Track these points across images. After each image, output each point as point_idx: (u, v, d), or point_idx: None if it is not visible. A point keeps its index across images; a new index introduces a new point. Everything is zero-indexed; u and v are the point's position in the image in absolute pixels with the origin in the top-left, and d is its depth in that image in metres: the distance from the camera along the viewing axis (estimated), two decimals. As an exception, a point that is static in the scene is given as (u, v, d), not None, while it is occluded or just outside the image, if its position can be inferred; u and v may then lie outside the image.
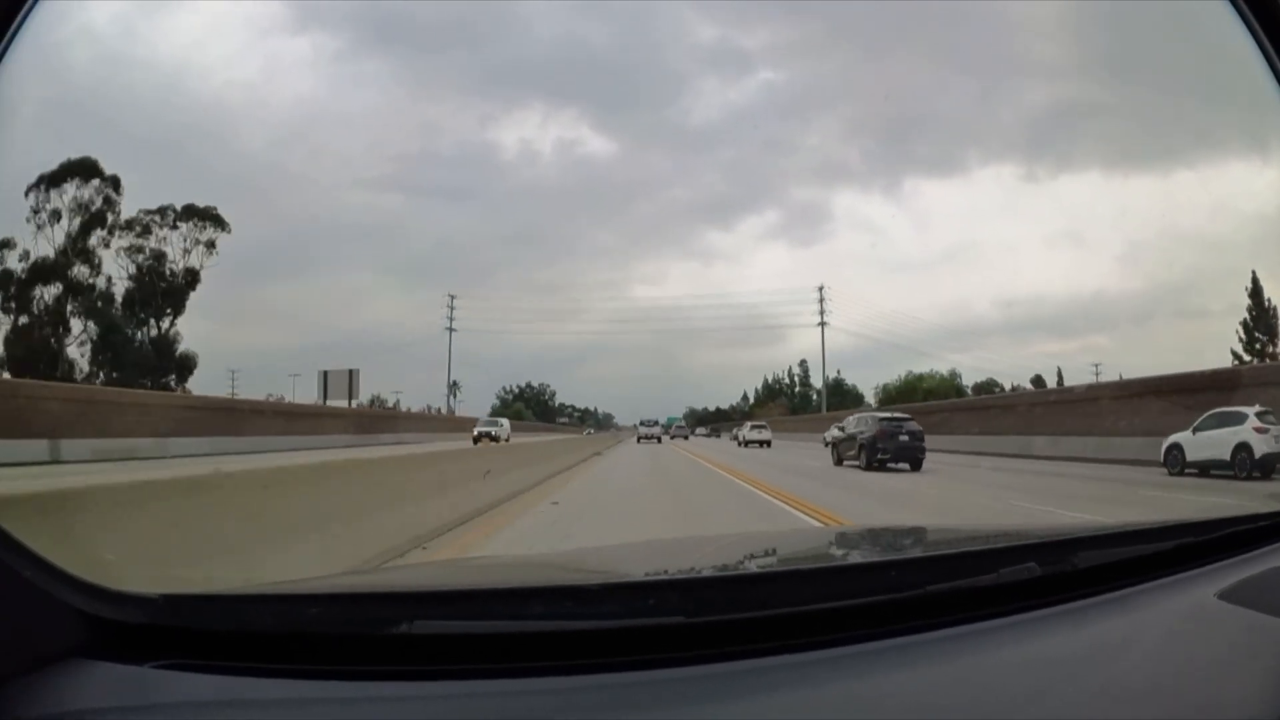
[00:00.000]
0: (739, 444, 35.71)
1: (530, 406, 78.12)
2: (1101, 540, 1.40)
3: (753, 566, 1.52)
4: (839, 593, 1.09)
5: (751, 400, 78.64)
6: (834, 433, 20.83)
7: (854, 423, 19.43)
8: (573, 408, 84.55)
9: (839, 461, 19.18)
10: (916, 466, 17.37)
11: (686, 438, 52.25)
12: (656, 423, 49.37)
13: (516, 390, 79.78)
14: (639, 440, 43.44)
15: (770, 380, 77.35)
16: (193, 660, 0.94)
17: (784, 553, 1.77)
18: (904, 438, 17.58)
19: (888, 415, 19.36)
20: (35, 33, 1.08)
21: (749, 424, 38.74)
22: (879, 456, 17.43)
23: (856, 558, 1.55)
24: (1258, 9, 1.47)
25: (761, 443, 34.14)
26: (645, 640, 0.98)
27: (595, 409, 79.58)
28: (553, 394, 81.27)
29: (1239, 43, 1.49)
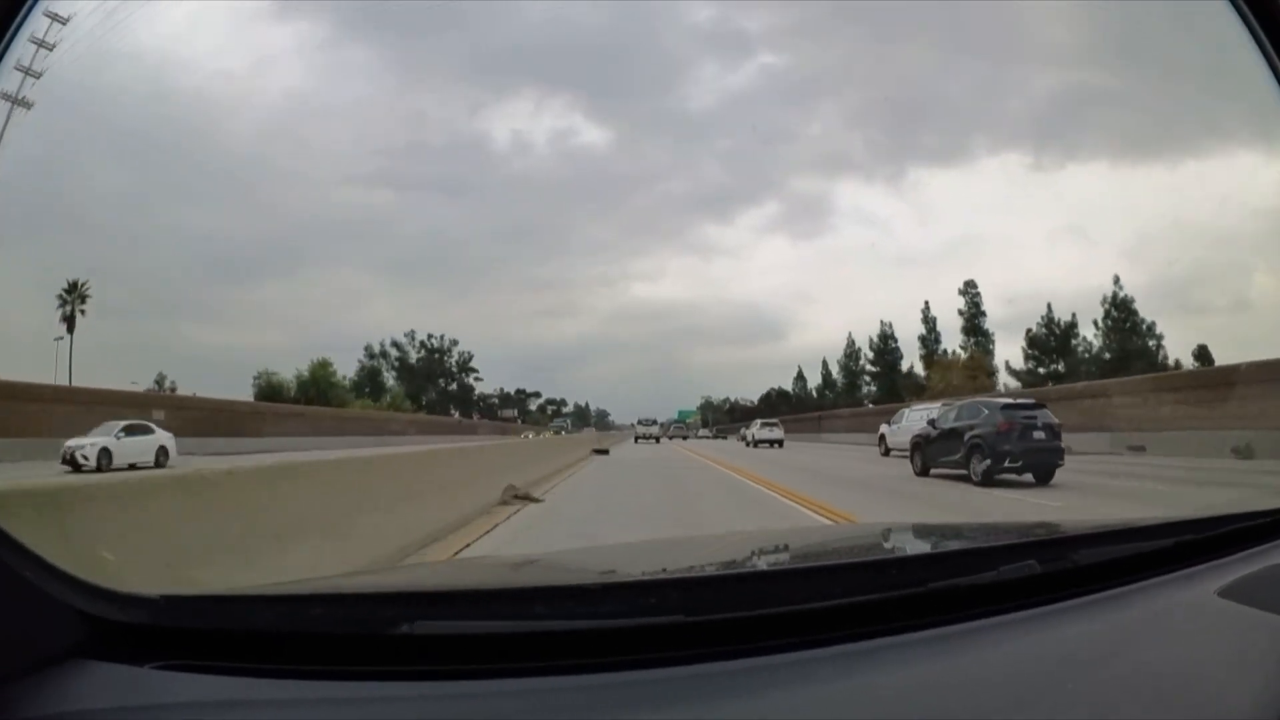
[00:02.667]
0: (747, 444, 33.54)
1: (411, 379, 52.27)
2: (1102, 537, 1.40)
3: (753, 565, 1.52)
4: (839, 590, 1.09)
5: (820, 380, 58.11)
6: (921, 426, 15.25)
7: (955, 414, 13.80)
8: (535, 397, 61.56)
9: (923, 470, 13.83)
10: (1047, 478, 11.89)
11: (685, 438, 49.93)
12: (655, 422, 47.12)
13: (398, 352, 52.25)
14: (636, 440, 41.88)
15: (862, 349, 55.25)
16: (193, 661, 0.94)
17: (784, 551, 1.77)
18: (1039, 434, 12.08)
19: (1012, 402, 13.60)
20: (30, 31, 1.08)
21: (759, 421, 36.42)
22: (1006, 464, 11.85)
23: (857, 555, 1.54)
24: (1257, 8, 1.47)
25: (772, 442, 31.93)
26: (646, 639, 0.98)
27: (586, 404, 67.32)
28: (466, 360, 53.71)
29: (1240, 39, 1.49)
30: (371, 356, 52.95)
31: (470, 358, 56.58)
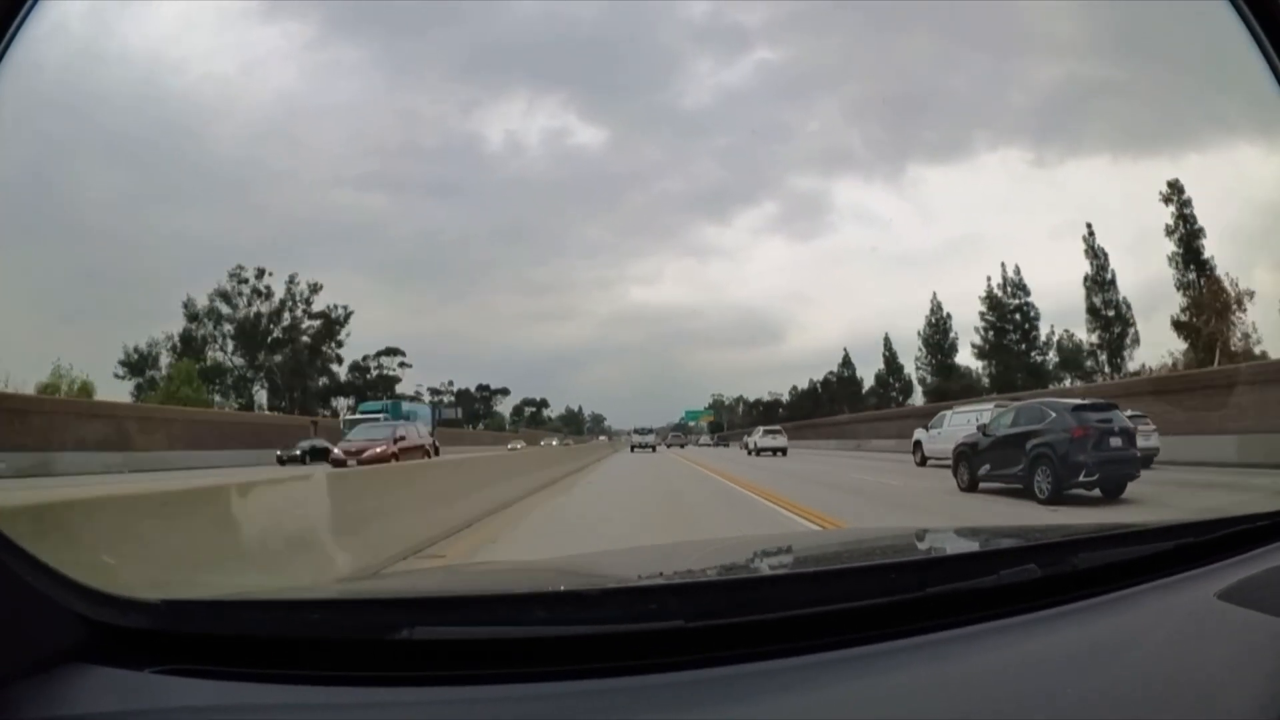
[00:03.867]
0: (749, 453, 31.43)
1: (250, 349, 29.04)
2: (1101, 541, 1.40)
3: (752, 570, 1.52)
4: (838, 595, 1.09)
5: (883, 365, 44.96)
6: (966, 432, 13.13)
7: (1012, 418, 11.63)
8: (503, 395, 42.64)
9: (971, 484, 11.75)
10: (1118, 492, 10.03)
11: (683, 446, 48.14)
12: (650, 431, 45.54)
13: (228, 308, 30.51)
14: (632, 449, 40.53)
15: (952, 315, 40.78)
16: (194, 665, 0.94)
17: (783, 556, 1.77)
18: (1115, 441, 10.21)
19: (1083, 402, 11.29)
20: (28, 33, 1.09)
21: (760, 429, 34.32)
22: (1081, 478, 9.91)
23: (856, 560, 1.54)
24: (1256, 7, 1.48)
25: (775, 450, 29.99)
26: (645, 645, 0.98)
27: (579, 408, 61.74)
28: (338, 318, 31.59)
29: (1240, 34, 1.50)
30: (193, 318, 31.78)
31: (346, 317, 33.01)
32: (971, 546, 1.65)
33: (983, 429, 12.27)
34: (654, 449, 41.43)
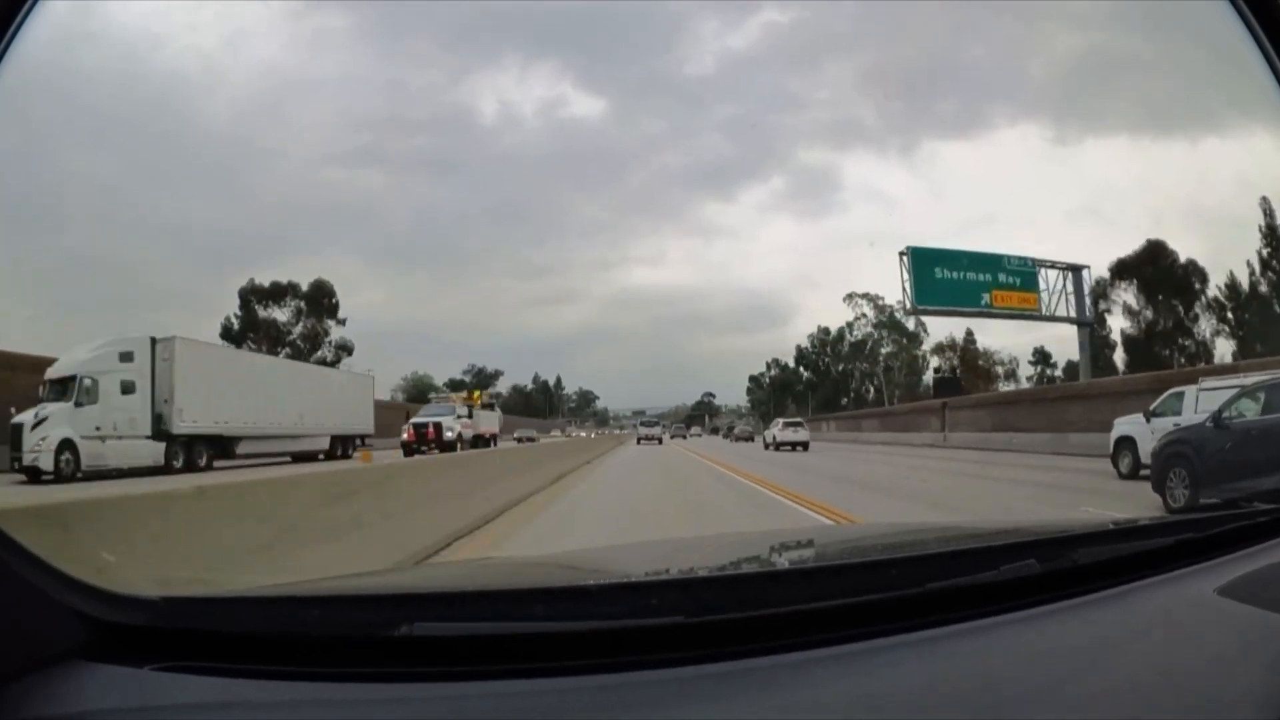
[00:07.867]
0: (766, 446, 30.45)
1: None
2: (1102, 536, 1.40)
3: (753, 565, 1.52)
4: (839, 591, 1.09)
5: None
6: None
7: (1264, 400, 8.14)
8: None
9: (1191, 501, 8.18)
10: None
11: (685, 437, 48.39)
12: (656, 422, 45.44)
13: None
14: (639, 441, 40.61)
15: None
16: (193, 662, 0.94)
17: (785, 552, 1.77)
18: None
19: None
20: (31, 31, 1.08)
21: (780, 421, 32.67)
22: None
23: (857, 556, 1.55)
24: (1256, 7, 1.47)
25: (795, 445, 28.78)
26: (646, 640, 0.98)
27: (558, 379, 57.73)
28: None
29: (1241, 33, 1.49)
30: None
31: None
32: (972, 542, 1.65)
33: (1215, 417, 8.38)
34: (660, 441, 41.28)
